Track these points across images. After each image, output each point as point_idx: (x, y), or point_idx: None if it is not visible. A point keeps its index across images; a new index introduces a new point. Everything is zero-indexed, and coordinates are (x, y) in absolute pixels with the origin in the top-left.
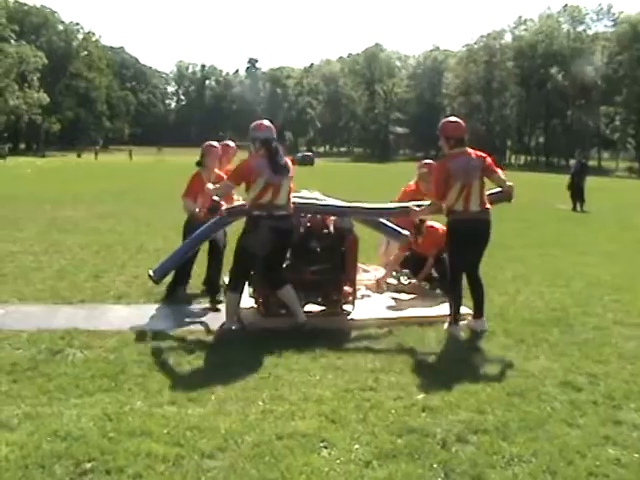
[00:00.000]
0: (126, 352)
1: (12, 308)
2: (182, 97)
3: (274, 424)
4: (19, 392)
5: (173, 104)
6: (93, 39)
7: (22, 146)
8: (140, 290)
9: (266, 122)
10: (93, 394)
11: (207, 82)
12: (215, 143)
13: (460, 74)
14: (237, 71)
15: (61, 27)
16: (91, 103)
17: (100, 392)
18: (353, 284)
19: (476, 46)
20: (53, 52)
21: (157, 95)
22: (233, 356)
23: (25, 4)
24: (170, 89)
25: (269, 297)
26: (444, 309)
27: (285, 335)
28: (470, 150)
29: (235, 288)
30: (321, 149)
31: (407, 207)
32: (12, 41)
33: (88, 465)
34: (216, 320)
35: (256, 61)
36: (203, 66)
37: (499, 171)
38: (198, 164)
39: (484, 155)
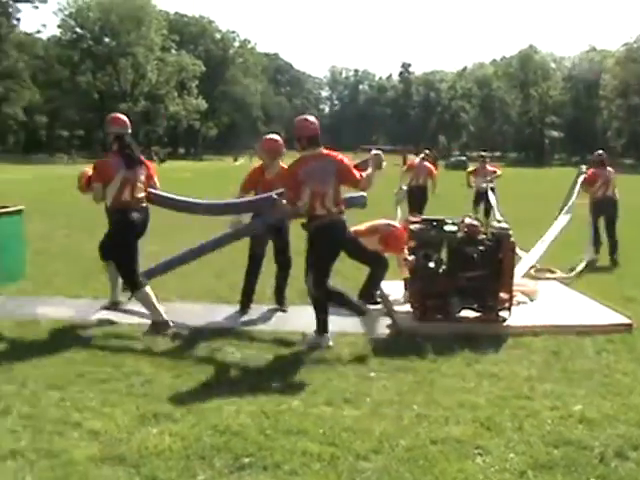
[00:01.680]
0: (282, 352)
1: (174, 305)
2: (335, 102)
3: (428, 429)
4: (181, 386)
5: (327, 109)
6: (249, 46)
7: (181, 150)
8: (294, 292)
9: (122, 116)
10: (251, 391)
11: (360, 87)
12: (273, 136)
13: (618, 75)
14: (390, 75)
15: (218, 36)
16: (247, 108)
17: (258, 390)
18: (509, 290)
19: (636, 45)
20: (210, 60)
21: (311, 100)
22: (388, 360)
23: (184, 15)
24: (324, 94)
25: (425, 302)
26: (603, 318)
27: (440, 340)
28: (326, 151)
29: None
30: (474, 154)
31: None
32: (173, 50)
33: (246, 460)
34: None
35: (409, 65)
36: (356, 71)
37: (357, 174)
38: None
39: (339, 157)
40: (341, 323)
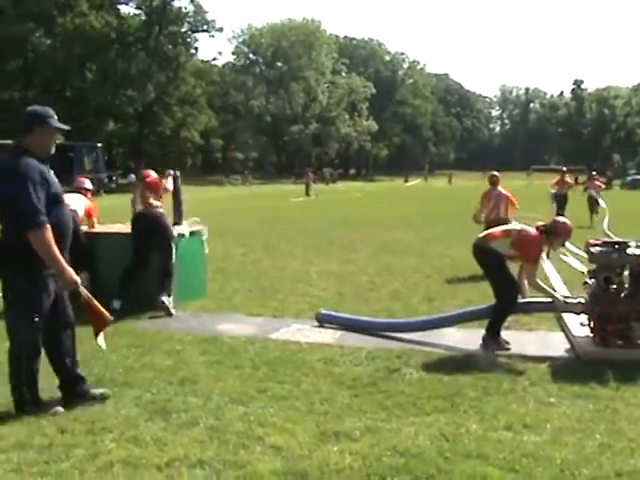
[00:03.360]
0: (460, 374)
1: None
2: (506, 121)
3: (612, 460)
4: (360, 406)
5: (497, 128)
6: (418, 67)
7: (352, 171)
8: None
9: None
10: (430, 414)
11: (531, 105)
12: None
13: None
14: (562, 93)
15: (387, 57)
16: (417, 129)
17: (436, 412)
18: None
19: None
20: (380, 81)
21: (481, 120)
22: (567, 385)
23: (354, 38)
24: (494, 113)
25: (606, 327)
26: None
27: (621, 367)
28: None
29: None
30: None
31: None
32: (343, 73)
33: None
34: (551, 347)
35: (582, 82)
36: (527, 89)
37: None
38: None
39: None
40: (522, 347)
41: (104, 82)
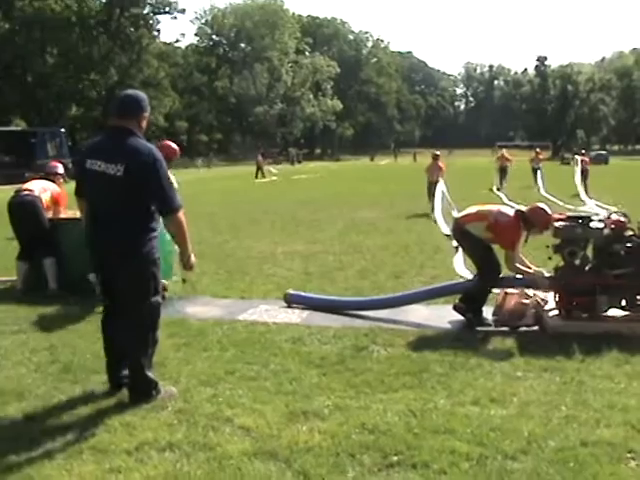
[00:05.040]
0: (428, 351)
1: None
2: (471, 98)
3: (578, 430)
4: (328, 384)
5: (462, 106)
6: (382, 46)
7: (317, 151)
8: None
9: None
10: (398, 390)
11: (495, 82)
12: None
13: None
14: (525, 70)
15: (351, 36)
16: (382, 107)
17: (404, 388)
18: None
19: None
20: (344, 61)
21: (446, 97)
22: (534, 359)
23: (317, 17)
24: (459, 91)
25: (571, 301)
26: None
27: (587, 340)
28: None
29: None
30: (615, 147)
31: None
32: (307, 53)
33: (394, 458)
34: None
35: (545, 59)
36: (491, 66)
37: None
38: None
39: None
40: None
41: (66, 66)
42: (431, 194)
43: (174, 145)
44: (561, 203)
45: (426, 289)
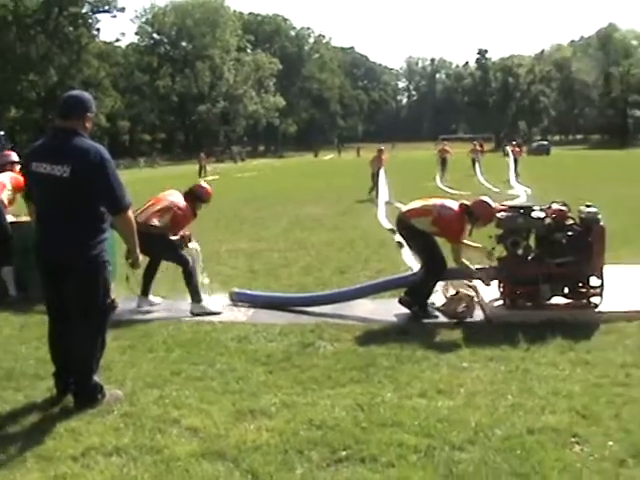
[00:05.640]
0: (374, 345)
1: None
2: (413, 92)
3: (524, 418)
4: (275, 382)
5: (404, 100)
6: (323, 41)
7: (261, 148)
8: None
9: None
10: (344, 385)
11: (437, 76)
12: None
13: None
14: (467, 63)
15: (293, 33)
16: (325, 103)
17: (351, 383)
18: (600, 276)
19: None
20: (286, 57)
21: (388, 92)
22: (479, 349)
23: (258, 14)
24: (401, 85)
25: (515, 290)
26: None
27: (531, 328)
28: None
29: None
30: (556, 137)
31: None
32: (248, 50)
33: (343, 453)
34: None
35: (486, 51)
36: (433, 60)
37: None
38: None
39: None
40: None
41: (3, 67)
42: (375, 182)
43: (206, 185)
44: (495, 189)
45: (371, 283)
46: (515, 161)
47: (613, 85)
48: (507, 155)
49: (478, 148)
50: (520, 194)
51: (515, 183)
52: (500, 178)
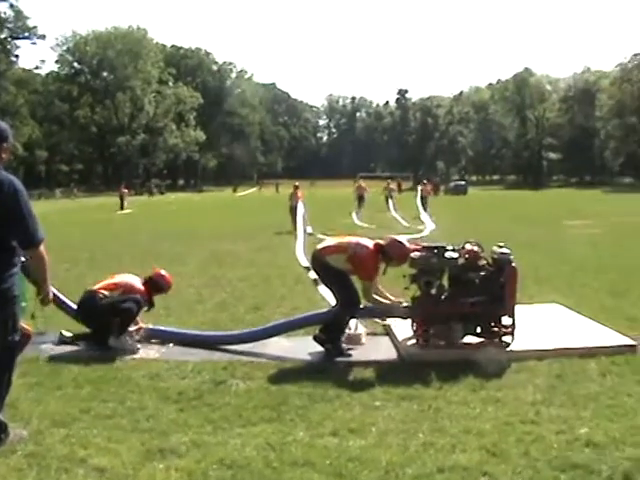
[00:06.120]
0: (287, 383)
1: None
2: (333, 130)
3: (435, 457)
4: (186, 420)
5: (325, 137)
6: (246, 77)
7: (180, 182)
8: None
9: None
10: (256, 424)
11: (358, 114)
12: None
13: (614, 95)
14: (387, 102)
15: (215, 67)
16: (245, 139)
17: (263, 422)
18: (512, 315)
19: (630, 65)
20: (208, 91)
21: (309, 129)
22: (392, 388)
23: (181, 47)
24: (322, 122)
25: (428, 329)
26: (606, 340)
27: (444, 367)
28: None
29: None
30: (473, 177)
31: None
32: (170, 83)
33: None
34: (376, 351)
35: (406, 91)
36: (353, 98)
37: None
38: None
39: None
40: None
41: None
42: (293, 216)
43: (166, 274)
44: (405, 223)
45: (286, 321)
46: (422, 198)
47: (529, 128)
48: (417, 193)
49: (391, 186)
50: (426, 229)
51: (424, 219)
52: (412, 214)
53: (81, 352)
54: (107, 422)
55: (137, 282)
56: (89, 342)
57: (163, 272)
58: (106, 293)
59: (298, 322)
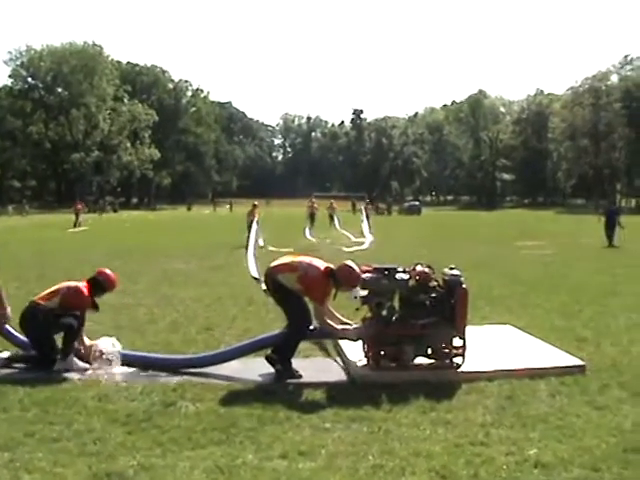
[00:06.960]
0: (237, 406)
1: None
2: (289, 149)
3: (384, 479)
4: (134, 443)
5: (280, 156)
6: (201, 95)
7: (134, 200)
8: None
9: None
10: (205, 447)
11: (313, 134)
12: None
13: (566, 118)
14: (342, 122)
15: (171, 85)
16: (200, 157)
17: (212, 445)
18: (463, 336)
19: (581, 88)
20: (163, 109)
21: (264, 148)
22: (342, 410)
23: (137, 64)
24: (277, 142)
25: (379, 350)
26: (556, 360)
27: (394, 389)
28: None
29: None
30: (427, 198)
31: None
32: (125, 100)
33: None
34: (327, 373)
35: (361, 112)
36: (309, 118)
37: None
38: None
39: None
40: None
41: None
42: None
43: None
44: (352, 237)
45: (239, 345)
46: (367, 217)
47: (482, 149)
48: (361, 212)
49: (334, 206)
50: (366, 241)
51: (367, 234)
52: (356, 229)
53: (28, 373)
54: (53, 445)
55: (78, 285)
56: (32, 364)
57: (107, 271)
58: (43, 303)
59: (250, 346)
